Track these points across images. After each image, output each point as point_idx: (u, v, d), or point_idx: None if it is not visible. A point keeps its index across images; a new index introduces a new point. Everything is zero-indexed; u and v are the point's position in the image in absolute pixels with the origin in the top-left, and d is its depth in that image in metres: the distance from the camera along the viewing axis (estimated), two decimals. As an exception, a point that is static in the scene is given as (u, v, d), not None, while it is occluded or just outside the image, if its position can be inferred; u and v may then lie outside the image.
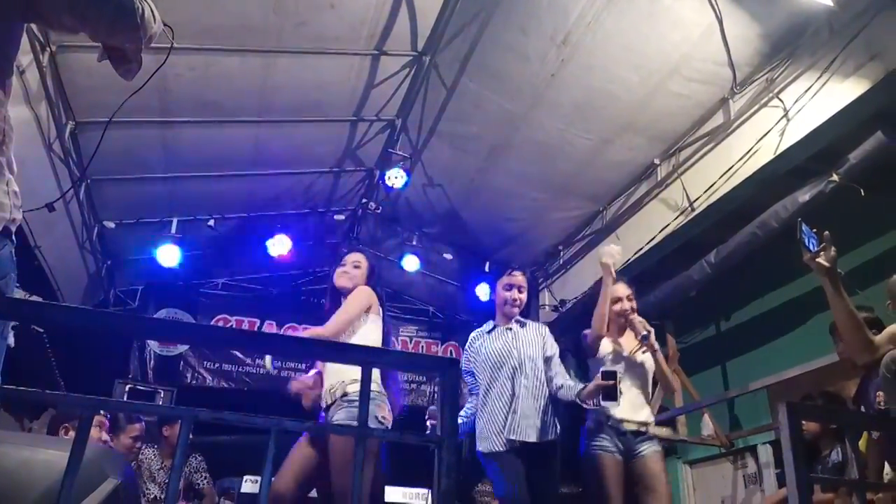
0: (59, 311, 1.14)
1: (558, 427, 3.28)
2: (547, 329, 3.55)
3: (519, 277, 3.49)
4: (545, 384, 3.32)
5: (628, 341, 3.52)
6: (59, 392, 1.13)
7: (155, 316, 6.86)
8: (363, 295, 3.18)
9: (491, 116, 5.30)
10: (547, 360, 3.38)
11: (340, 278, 3.28)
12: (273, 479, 2.78)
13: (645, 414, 3.40)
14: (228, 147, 5.44)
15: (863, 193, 4.14)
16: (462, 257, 7.13)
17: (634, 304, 3.57)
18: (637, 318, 3.46)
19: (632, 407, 3.33)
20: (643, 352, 3.45)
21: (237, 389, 7.18)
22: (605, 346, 3.47)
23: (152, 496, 4.52)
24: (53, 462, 1.38)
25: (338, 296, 3.30)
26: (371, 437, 2.78)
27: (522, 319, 3.50)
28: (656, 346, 3.46)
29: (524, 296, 3.48)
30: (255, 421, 1.24)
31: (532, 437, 3.16)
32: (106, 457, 1.44)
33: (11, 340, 1.40)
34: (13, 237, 1.32)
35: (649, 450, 3.30)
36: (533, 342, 3.39)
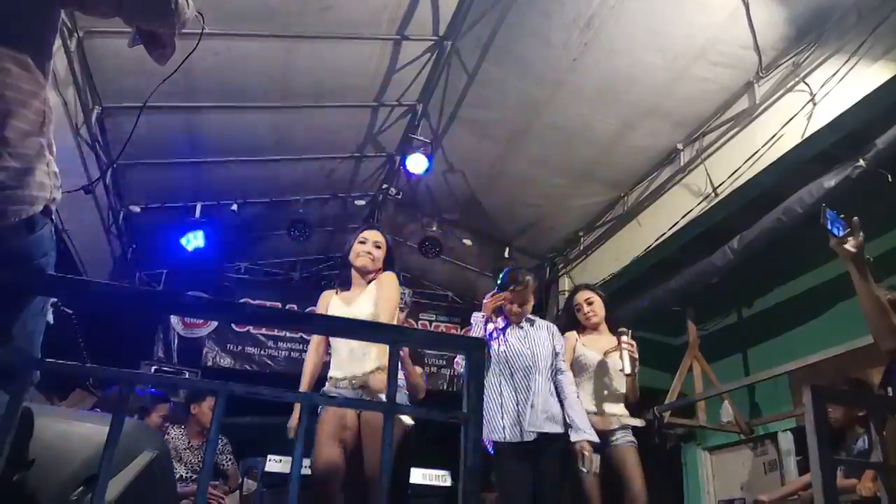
0: (99, 289, 1.18)
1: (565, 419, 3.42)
2: (555, 328, 3.72)
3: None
4: (554, 379, 3.51)
5: (601, 340, 3.81)
6: (98, 366, 1.17)
7: (180, 299, 6.95)
8: (396, 284, 3.19)
9: (512, 102, 5.28)
10: (556, 356, 3.56)
11: (362, 258, 3.19)
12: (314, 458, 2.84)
13: (618, 407, 3.70)
14: (251, 132, 5.48)
15: (890, 179, 4.08)
16: (482, 243, 7.14)
17: (595, 308, 3.85)
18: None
19: (604, 401, 3.67)
20: (615, 350, 3.70)
21: (260, 372, 7.28)
22: (579, 348, 3.74)
23: (178, 475, 4.61)
24: (91, 435, 1.42)
25: (348, 271, 3.24)
26: (399, 419, 2.83)
27: (532, 318, 3.65)
28: (629, 347, 3.64)
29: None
30: (287, 395, 1.27)
31: (546, 429, 3.31)
32: (142, 431, 1.49)
33: (51, 318, 1.44)
34: (53, 217, 1.35)
35: (622, 440, 3.58)
36: (545, 341, 3.55)
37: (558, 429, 3.35)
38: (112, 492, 1.32)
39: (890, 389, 2.46)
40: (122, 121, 4.76)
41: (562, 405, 3.41)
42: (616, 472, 3.51)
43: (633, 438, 3.67)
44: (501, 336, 3.52)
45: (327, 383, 3.13)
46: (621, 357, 3.63)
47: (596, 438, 3.36)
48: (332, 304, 3.24)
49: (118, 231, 5.98)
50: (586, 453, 3.30)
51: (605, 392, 3.71)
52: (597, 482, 3.40)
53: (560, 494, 3.30)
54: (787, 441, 5.55)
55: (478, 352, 1.45)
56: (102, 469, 1.14)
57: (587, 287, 4.11)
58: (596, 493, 3.38)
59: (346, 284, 3.29)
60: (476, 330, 3.49)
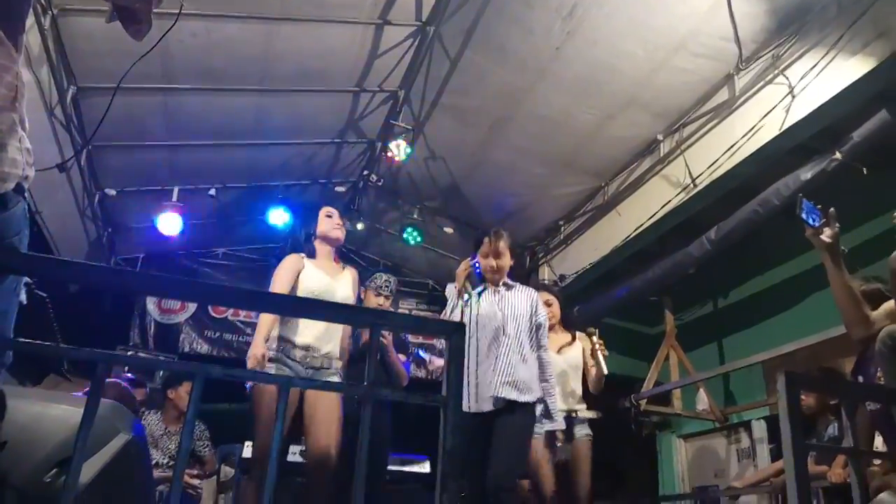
0: (74, 268, 1.15)
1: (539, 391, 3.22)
2: (538, 297, 3.47)
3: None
4: (537, 353, 3.29)
5: (557, 338, 4.03)
6: (74, 346, 1.15)
7: (155, 284, 6.87)
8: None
9: (494, 90, 5.27)
10: (538, 328, 3.33)
11: (336, 230, 3.49)
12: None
13: (575, 402, 3.99)
14: (230, 115, 5.40)
15: (865, 172, 4.15)
16: (462, 231, 7.13)
17: (554, 310, 4.06)
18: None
19: (562, 397, 3.83)
20: (570, 345, 4.06)
21: (238, 359, 7.23)
22: None
23: (154, 461, 4.58)
24: (66, 417, 1.40)
25: (311, 243, 3.43)
26: (376, 398, 2.83)
27: (511, 283, 3.42)
28: (602, 348, 3.92)
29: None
30: (265, 377, 1.26)
31: (504, 394, 3.07)
32: (118, 413, 1.47)
33: (24, 298, 1.41)
34: (25, 195, 1.33)
35: (580, 433, 3.93)
36: (521, 306, 3.32)
37: (518, 396, 3.08)
38: (86, 474, 1.30)
39: (861, 377, 2.51)
40: (97, 101, 4.66)
41: (542, 384, 3.23)
42: (570, 462, 3.87)
43: (589, 431, 4.00)
44: (475, 300, 3.33)
45: (277, 344, 3.06)
46: (594, 356, 3.87)
47: (564, 426, 3.51)
48: (308, 269, 3.30)
49: (93, 214, 5.88)
50: (559, 444, 3.42)
51: (565, 389, 3.95)
52: (552, 471, 3.58)
53: (511, 462, 3.01)
54: (760, 429, 5.66)
55: (457, 335, 1.46)
56: (76, 451, 1.13)
57: (546, 288, 4.28)
58: (551, 481, 3.61)
59: (313, 256, 3.43)
60: (450, 302, 3.35)
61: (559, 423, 3.31)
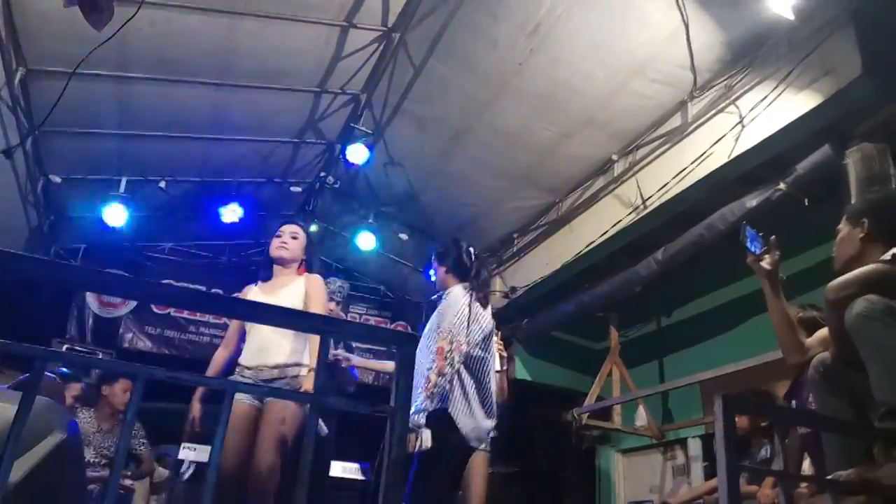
0: (26, 262, 1.11)
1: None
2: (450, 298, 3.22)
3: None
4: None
5: None
6: (10, 341, 1.11)
7: (97, 276, 6.66)
8: (324, 287, 3.40)
9: (456, 100, 5.30)
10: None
11: (278, 249, 3.39)
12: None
13: None
14: (186, 108, 5.29)
15: (807, 203, 4.32)
16: (417, 239, 7.14)
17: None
18: None
19: None
20: None
21: (179, 357, 7.06)
22: None
23: (85, 460, 4.43)
24: (-3, 413, 1.35)
25: (270, 267, 3.43)
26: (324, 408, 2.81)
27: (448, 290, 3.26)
28: (500, 347, 3.93)
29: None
30: (210, 382, 1.24)
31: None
32: (52, 410, 1.42)
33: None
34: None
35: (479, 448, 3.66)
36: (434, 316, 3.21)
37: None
38: (15, 474, 1.26)
39: (794, 401, 2.61)
40: (46, 85, 4.51)
41: None
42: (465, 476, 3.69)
43: (487, 448, 3.89)
44: None
45: (235, 371, 3.18)
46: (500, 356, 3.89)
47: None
48: (252, 294, 3.35)
49: (35, 201, 5.67)
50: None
51: None
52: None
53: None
54: (695, 447, 5.81)
55: (408, 347, 1.46)
56: (7, 449, 1.09)
57: None
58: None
59: (268, 279, 3.45)
60: (463, 303, 3.15)
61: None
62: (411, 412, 2.98)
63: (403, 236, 7.07)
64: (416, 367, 3.03)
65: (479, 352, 3.08)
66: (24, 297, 5.83)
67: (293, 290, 3.31)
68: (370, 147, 5.62)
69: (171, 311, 7.22)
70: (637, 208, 5.13)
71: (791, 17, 3.71)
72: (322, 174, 6.52)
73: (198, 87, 5.07)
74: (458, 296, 3.13)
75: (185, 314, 7.25)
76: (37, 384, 1.06)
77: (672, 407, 6.44)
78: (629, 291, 5.74)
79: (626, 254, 5.63)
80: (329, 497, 4.18)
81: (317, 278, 3.39)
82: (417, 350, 3.08)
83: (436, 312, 3.19)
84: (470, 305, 3.09)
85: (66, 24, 3.90)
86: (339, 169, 6.34)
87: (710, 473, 5.45)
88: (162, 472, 5.19)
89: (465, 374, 3.01)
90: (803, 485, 2.87)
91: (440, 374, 2.92)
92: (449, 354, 2.95)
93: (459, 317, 3.04)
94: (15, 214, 5.48)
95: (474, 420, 2.99)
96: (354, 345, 4.95)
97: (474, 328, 3.06)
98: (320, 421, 3.79)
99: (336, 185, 6.49)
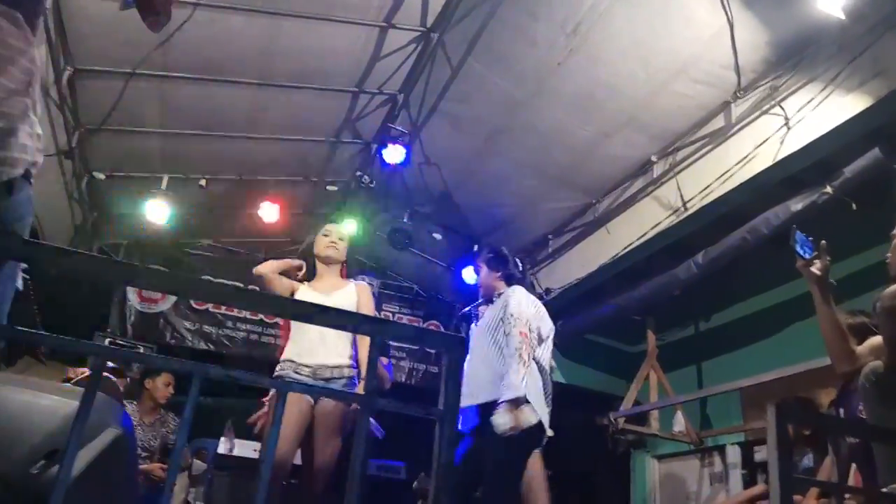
0: (75, 258, 1.13)
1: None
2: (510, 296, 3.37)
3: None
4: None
5: None
6: (73, 338, 1.13)
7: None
8: (371, 295, 3.50)
9: (493, 100, 5.28)
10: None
11: (328, 249, 3.42)
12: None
13: None
14: (226, 108, 5.37)
15: (854, 207, 4.20)
16: (451, 239, 7.14)
17: None
18: None
19: None
20: None
21: (216, 352, 7.16)
22: None
23: (127, 451, 4.52)
24: (56, 407, 1.38)
25: (313, 265, 3.46)
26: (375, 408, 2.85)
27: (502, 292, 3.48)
28: None
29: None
30: (263, 381, 1.25)
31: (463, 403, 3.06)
32: (107, 406, 1.45)
33: (20, 283, 1.39)
34: (32, 181, 1.30)
35: None
36: (492, 312, 3.39)
37: (466, 401, 3.05)
38: (76, 467, 1.28)
39: (842, 410, 2.54)
40: (92, 84, 4.62)
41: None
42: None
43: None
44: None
45: (284, 365, 3.16)
46: None
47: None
48: (302, 293, 3.32)
49: (80, 198, 5.80)
50: None
51: None
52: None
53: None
54: (734, 454, 5.70)
55: (457, 350, 1.45)
56: (71, 442, 1.11)
57: None
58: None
59: (312, 277, 3.46)
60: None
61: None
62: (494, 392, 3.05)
63: (437, 236, 7.07)
64: (475, 360, 3.17)
65: (544, 347, 3.30)
66: (67, 291, 5.98)
67: (346, 294, 3.34)
68: (407, 147, 5.63)
69: (209, 306, 7.32)
70: (677, 210, 5.06)
71: (842, 16, 3.62)
72: (358, 173, 6.55)
73: (238, 86, 5.14)
74: (524, 292, 3.37)
75: (223, 310, 7.33)
76: (98, 380, 1.08)
77: (710, 412, 6.33)
78: (668, 295, 5.66)
79: (666, 256, 5.55)
80: (365, 495, 4.21)
81: (367, 287, 3.48)
82: (471, 347, 3.22)
83: (494, 307, 3.38)
84: (536, 304, 3.37)
85: (112, 25, 3.99)
86: (375, 168, 6.36)
87: (748, 481, 5.35)
88: (199, 466, 5.27)
89: (533, 366, 3.15)
90: (847, 496, 2.80)
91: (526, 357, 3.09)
92: (531, 339, 3.15)
93: (537, 307, 3.33)
94: (62, 212, 5.62)
95: (544, 410, 3.12)
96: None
97: (543, 324, 3.32)
98: (373, 421, 3.85)
99: (372, 185, 6.51)
